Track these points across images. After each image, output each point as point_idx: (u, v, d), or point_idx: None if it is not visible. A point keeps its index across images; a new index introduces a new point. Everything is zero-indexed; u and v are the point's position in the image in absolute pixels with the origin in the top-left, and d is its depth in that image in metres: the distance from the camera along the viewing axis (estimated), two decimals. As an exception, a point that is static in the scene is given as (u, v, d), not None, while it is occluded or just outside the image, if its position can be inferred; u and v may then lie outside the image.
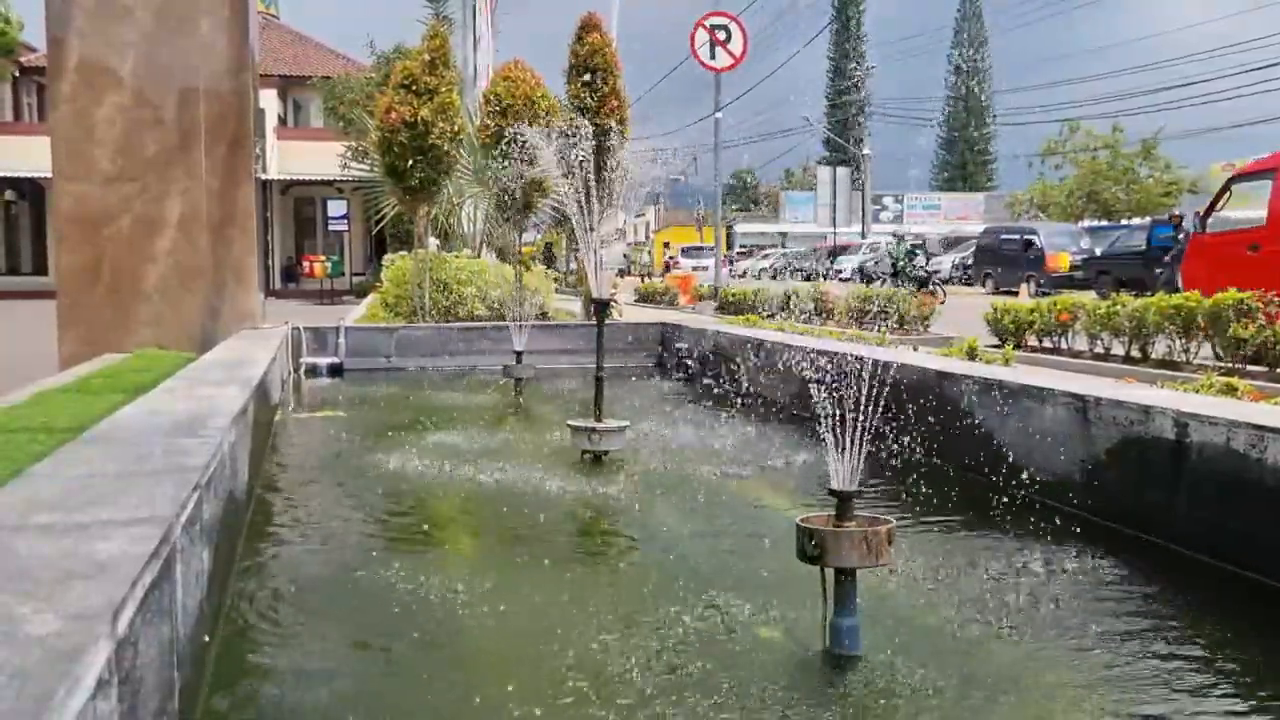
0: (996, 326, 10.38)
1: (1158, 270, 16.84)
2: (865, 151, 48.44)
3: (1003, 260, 26.64)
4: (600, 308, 5.45)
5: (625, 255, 44.64)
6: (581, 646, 2.55)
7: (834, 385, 2.70)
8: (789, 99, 73.66)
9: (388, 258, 12.35)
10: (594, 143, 6.15)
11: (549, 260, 26.78)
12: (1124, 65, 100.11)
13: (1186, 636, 2.78)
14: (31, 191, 30.29)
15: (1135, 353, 8.91)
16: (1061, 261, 23.97)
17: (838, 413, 2.62)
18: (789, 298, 13.89)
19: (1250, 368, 7.73)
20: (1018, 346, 9.48)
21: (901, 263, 20.79)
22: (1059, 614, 2.87)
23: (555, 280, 16.01)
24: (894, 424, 4.00)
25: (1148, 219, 27.38)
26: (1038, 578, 3.18)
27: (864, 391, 2.61)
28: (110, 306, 7.65)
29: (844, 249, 40.55)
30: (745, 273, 44.02)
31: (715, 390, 7.19)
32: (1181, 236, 16.51)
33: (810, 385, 2.77)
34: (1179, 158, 42.36)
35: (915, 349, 7.10)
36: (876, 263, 28.72)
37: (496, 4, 18.01)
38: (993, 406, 4.51)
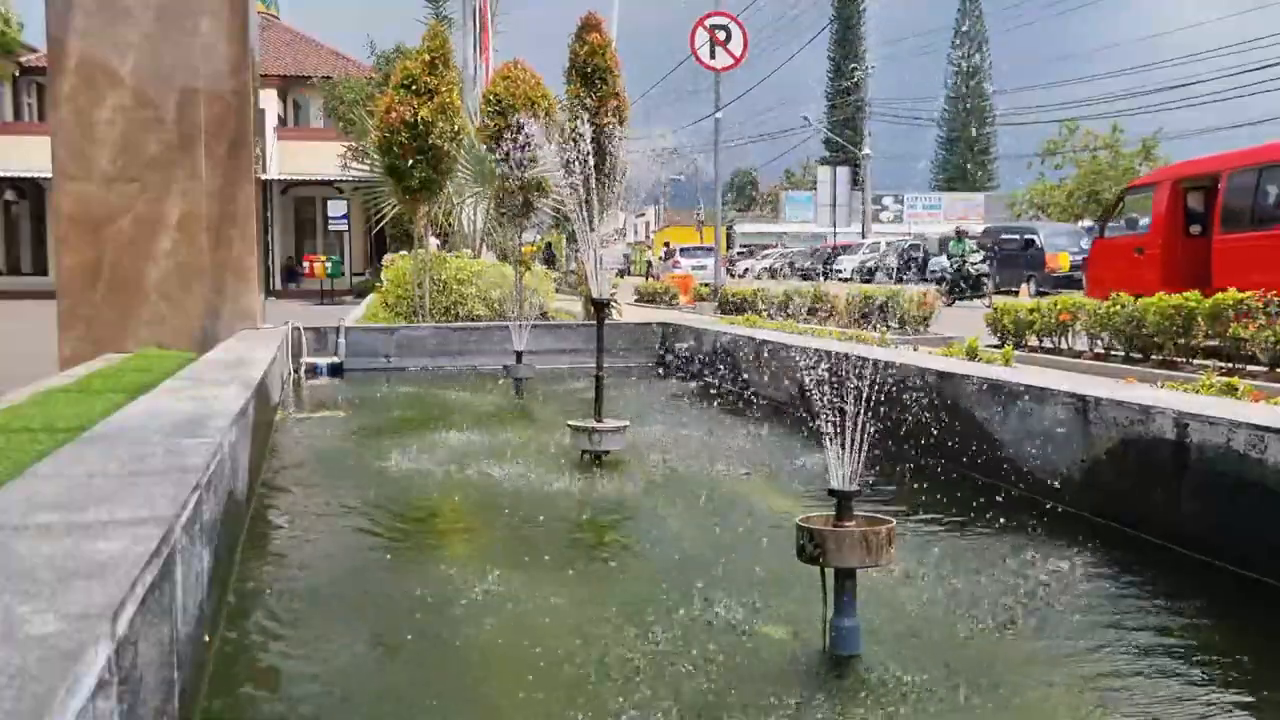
0: (996, 327, 10.38)
1: None
2: (865, 151, 48.44)
3: (1003, 260, 26.63)
4: (600, 307, 5.45)
5: (626, 255, 44.64)
6: (582, 646, 2.55)
7: (834, 385, 2.70)
8: (788, 99, 73.75)
9: (388, 258, 12.35)
10: (594, 144, 6.15)
11: (549, 260, 26.75)
12: (1124, 65, 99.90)
13: (1187, 636, 2.78)
14: (31, 191, 30.31)
15: (1135, 353, 8.91)
16: (1061, 261, 23.93)
17: (837, 413, 2.62)
18: (789, 298, 13.89)
19: (1250, 368, 7.74)
20: (1018, 346, 9.48)
21: (963, 261, 20.83)
22: (1059, 614, 2.87)
23: (555, 280, 16.01)
24: (894, 424, 4.00)
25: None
26: (1038, 578, 3.17)
27: (864, 391, 2.61)
28: (111, 306, 7.66)
29: (844, 248, 40.57)
30: (745, 272, 43.98)
31: (715, 390, 7.19)
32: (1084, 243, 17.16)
33: (810, 385, 2.77)
34: (1179, 158, 42.25)
35: (915, 349, 7.10)
36: (881, 260, 28.69)
37: (497, 4, 17.98)
38: (993, 406, 4.52)
